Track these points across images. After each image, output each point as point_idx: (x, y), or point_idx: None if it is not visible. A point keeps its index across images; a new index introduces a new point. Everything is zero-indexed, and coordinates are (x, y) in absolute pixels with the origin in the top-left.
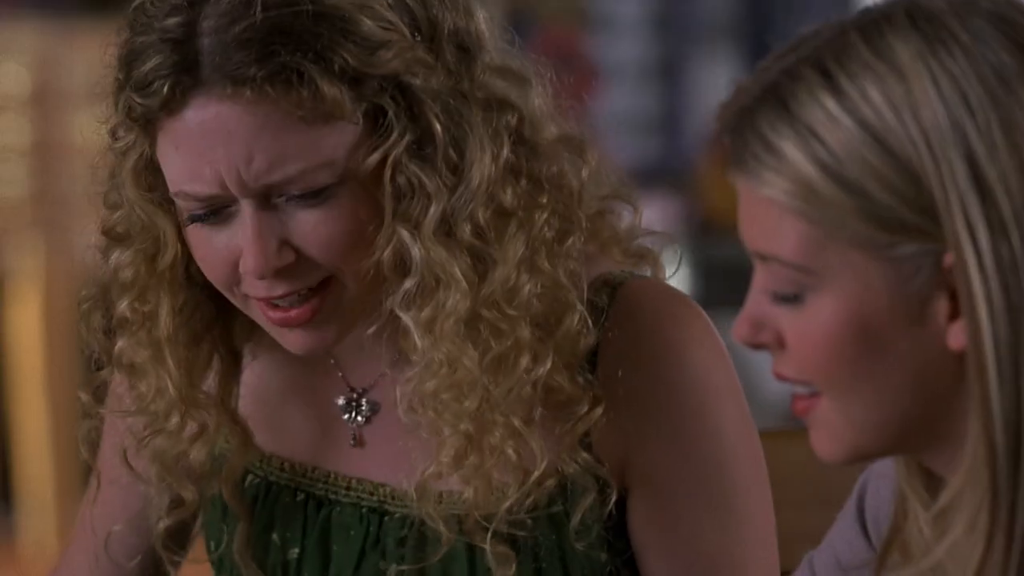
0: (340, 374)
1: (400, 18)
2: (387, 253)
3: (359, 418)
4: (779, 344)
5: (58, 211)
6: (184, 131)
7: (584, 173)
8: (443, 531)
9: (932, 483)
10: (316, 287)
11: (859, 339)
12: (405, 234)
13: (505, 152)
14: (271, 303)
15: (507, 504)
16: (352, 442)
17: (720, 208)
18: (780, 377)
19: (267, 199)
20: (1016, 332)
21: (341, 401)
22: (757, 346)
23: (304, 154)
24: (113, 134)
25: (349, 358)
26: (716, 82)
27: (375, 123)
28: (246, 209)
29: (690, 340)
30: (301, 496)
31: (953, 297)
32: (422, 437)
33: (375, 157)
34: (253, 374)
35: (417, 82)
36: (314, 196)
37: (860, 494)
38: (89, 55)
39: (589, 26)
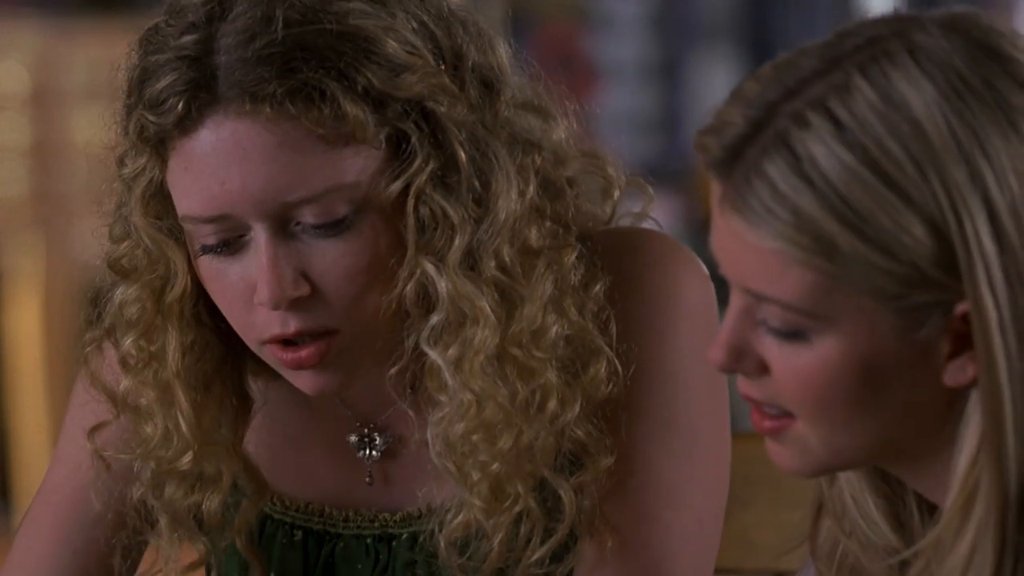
0: (348, 412)
1: (425, 44)
2: (410, 287)
3: (374, 453)
4: (760, 371)
5: (58, 211)
6: (198, 150)
7: (616, 195)
8: (455, 568)
9: (886, 479)
10: (322, 333)
11: (859, 380)
12: (430, 267)
13: (531, 190)
14: (283, 343)
15: (536, 556)
16: (368, 480)
17: None
18: (749, 398)
19: (283, 226)
20: None
21: (353, 438)
22: (732, 371)
23: (324, 174)
24: (121, 161)
25: (363, 397)
26: (716, 82)
27: (398, 149)
28: (261, 235)
29: (667, 260)
30: (299, 535)
31: (955, 338)
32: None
33: (397, 185)
34: (262, 417)
35: (442, 109)
36: (334, 226)
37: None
38: (89, 54)
39: (589, 25)
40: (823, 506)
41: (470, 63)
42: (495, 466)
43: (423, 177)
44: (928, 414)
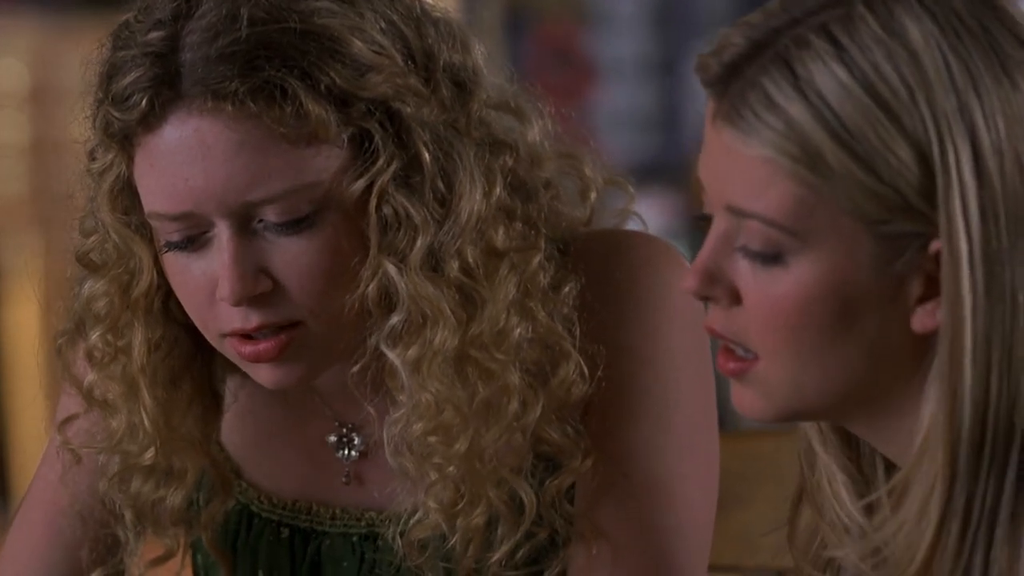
0: (328, 412)
1: (393, 44)
2: (372, 287)
3: (353, 453)
4: (732, 300)
5: (57, 209)
6: (161, 147)
7: (592, 196)
8: (427, 570)
9: (852, 449)
10: (286, 325)
11: (831, 309)
12: (391, 267)
13: (498, 191)
14: (243, 337)
15: (496, 556)
16: (345, 479)
17: None
18: (713, 332)
19: (246, 223)
20: (993, 321)
21: (332, 438)
22: (704, 298)
23: (286, 174)
24: (91, 155)
25: (337, 395)
26: None
27: (361, 149)
28: (223, 232)
29: (656, 261)
30: (285, 532)
31: (927, 281)
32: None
33: (360, 184)
34: (236, 415)
35: (408, 109)
36: (295, 224)
37: None
38: (88, 53)
39: (587, 22)
40: (804, 492)
41: (441, 63)
42: (451, 468)
43: (386, 177)
44: (895, 361)
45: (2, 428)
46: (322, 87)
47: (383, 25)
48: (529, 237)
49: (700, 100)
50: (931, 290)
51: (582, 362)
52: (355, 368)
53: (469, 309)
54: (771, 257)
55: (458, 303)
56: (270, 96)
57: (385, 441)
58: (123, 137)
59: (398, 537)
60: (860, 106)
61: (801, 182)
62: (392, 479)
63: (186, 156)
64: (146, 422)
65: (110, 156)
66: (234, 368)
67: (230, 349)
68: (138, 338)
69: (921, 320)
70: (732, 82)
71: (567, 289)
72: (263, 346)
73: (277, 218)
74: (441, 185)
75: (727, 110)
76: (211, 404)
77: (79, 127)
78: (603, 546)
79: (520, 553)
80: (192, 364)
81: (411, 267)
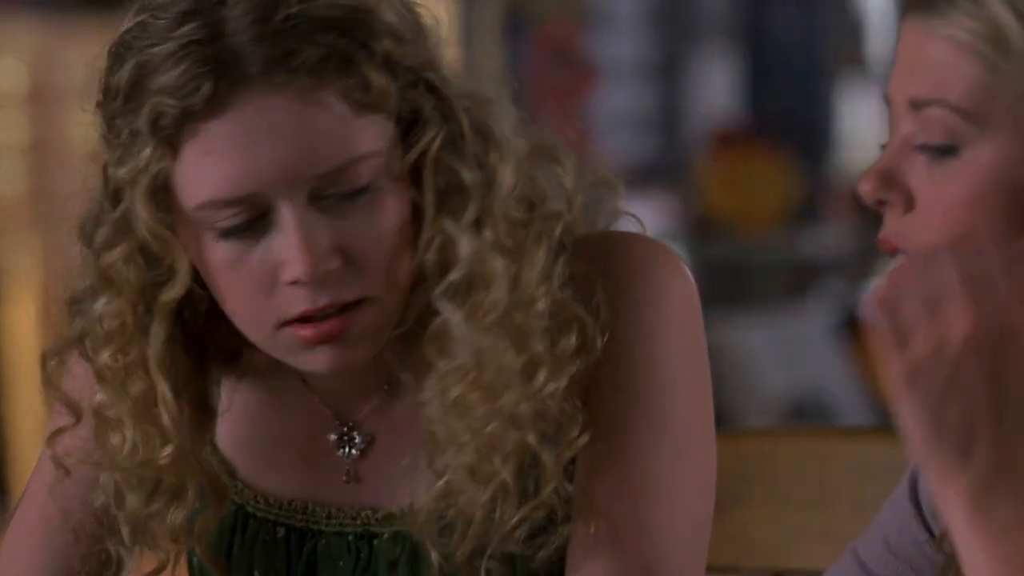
0: (327, 411)
1: (410, 15)
2: (431, 253)
3: (353, 452)
4: (906, 204)
5: (55, 209)
6: (224, 131)
7: (568, 183)
8: (436, 558)
9: None
10: (350, 304)
11: (1002, 204)
12: (451, 229)
13: (523, 160)
14: (305, 322)
15: (509, 526)
16: (346, 477)
17: (718, 206)
18: (885, 244)
19: (311, 200)
20: None
21: (332, 436)
22: (879, 203)
23: (351, 145)
24: (115, 164)
25: (336, 394)
26: (714, 80)
27: (408, 118)
28: (290, 211)
29: (653, 263)
30: (281, 532)
31: None
32: (420, 463)
33: (414, 153)
34: (230, 418)
35: (441, 77)
36: (361, 194)
37: (914, 476)
38: (88, 52)
39: (587, 24)
40: None
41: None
42: (489, 428)
43: (437, 144)
44: None
45: (1, 429)
46: (377, 57)
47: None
48: (550, 207)
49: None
50: None
51: (590, 335)
52: (393, 334)
53: (513, 271)
54: (948, 149)
55: (505, 265)
56: (338, 67)
57: (425, 401)
58: (173, 130)
59: (404, 512)
60: None
61: (984, 63)
62: (394, 476)
63: (252, 137)
64: (166, 419)
65: (147, 154)
66: (229, 372)
67: (288, 338)
68: (157, 343)
69: None
70: None
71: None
72: (329, 326)
73: (343, 189)
74: (480, 149)
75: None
76: (203, 415)
77: (89, 129)
78: (600, 542)
79: (519, 531)
80: (192, 377)
81: (465, 229)
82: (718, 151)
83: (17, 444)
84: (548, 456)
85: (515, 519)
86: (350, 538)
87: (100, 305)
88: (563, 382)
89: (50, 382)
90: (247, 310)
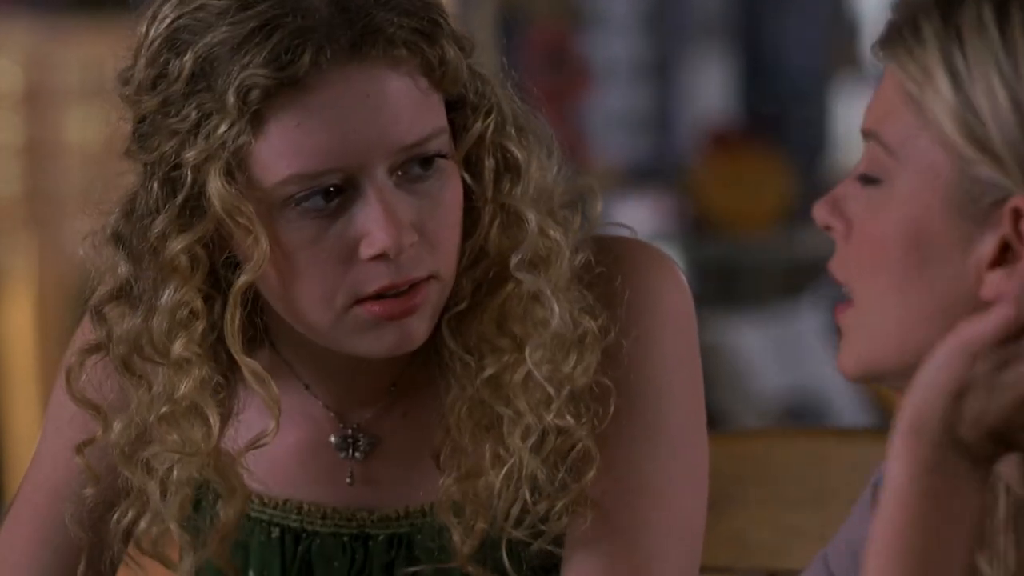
0: (330, 414)
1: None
2: (495, 230)
3: (358, 454)
4: (846, 233)
5: (51, 210)
6: (316, 102)
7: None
8: (459, 541)
9: None
10: (419, 281)
11: (909, 243)
12: (516, 204)
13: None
14: (381, 298)
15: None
16: (349, 480)
17: (713, 207)
18: (833, 274)
19: (392, 174)
20: None
21: (334, 439)
22: (827, 229)
23: (432, 117)
24: (186, 144)
25: (341, 397)
26: (708, 81)
27: (466, 102)
28: (374, 184)
29: (648, 268)
30: (276, 532)
31: (1002, 244)
32: (424, 466)
33: (473, 134)
34: (234, 423)
35: (480, 64)
36: (436, 170)
37: (876, 482)
38: (82, 53)
39: (581, 24)
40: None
41: None
42: (571, 382)
43: (492, 125)
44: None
45: None
46: (450, 35)
47: None
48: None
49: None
50: (1005, 256)
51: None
52: (450, 313)
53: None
54: (874, 180)
55: (563, 236)
56: (419, 41)
57: (531, 361)
58: (262, 102)
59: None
60: (982, 48)
61: (913, 104)
62: (397, 479)
63: (344, 107)
64: (213, 437)
65: (223, 131)
66: (236, 380)
67: (357, 317)
68: (231, 332)
69: (990, 287)
70: (905, 22)
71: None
72: (401, 302)
73: (422, 164)
74: (519, 134)
75: (891, 38)
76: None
77: (84, 129)
78: (596, 542)
79: (526, 522)
80: (226, 376)
81: (527, 203)
82: (713, 152)
83: (12, 444)
84: (570, 419)
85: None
86: (345, 539)
87: (167, 296)
88: (593, 364)
89: (78, 393)
90: (319, 289)
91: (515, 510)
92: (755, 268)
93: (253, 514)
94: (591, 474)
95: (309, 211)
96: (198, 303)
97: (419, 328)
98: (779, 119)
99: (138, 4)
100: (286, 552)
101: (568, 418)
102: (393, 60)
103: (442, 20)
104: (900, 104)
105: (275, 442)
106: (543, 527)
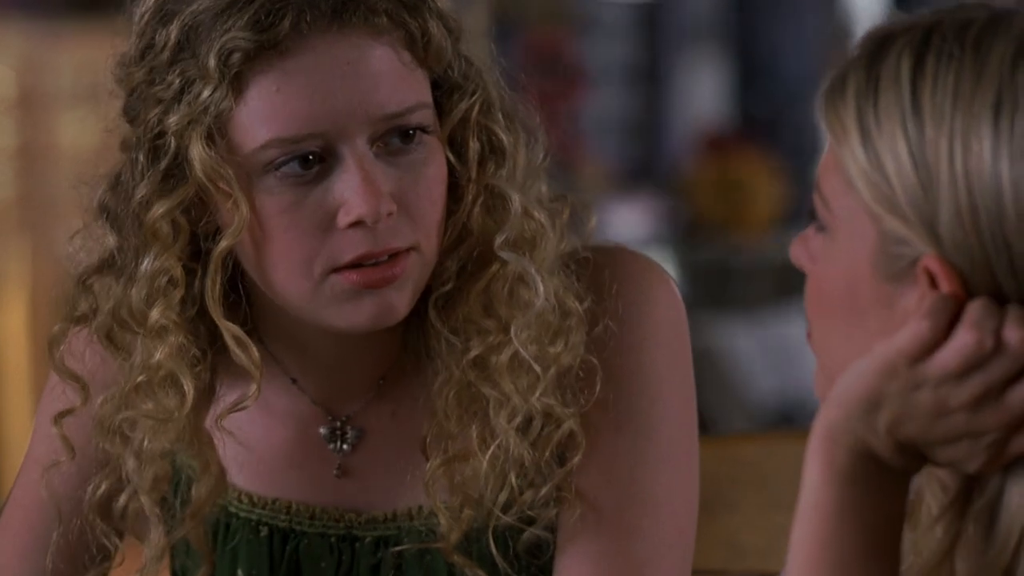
0: (317, 408)
1: None
2: (477, 209)
3: (345, 446)
4: (809, 270)
5: (44, 214)
6: (294, 68)
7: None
8: (447, 527)
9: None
10: (399, 252)
11: (845, 295)
12: (500, 184)
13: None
14: (358, 267)
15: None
16: (336, 472)
17: (706, 210)
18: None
19: (372, 142)
20: None
21: (323, 431)
22: (798, 262)
23: (414, 91)
24: (169, 110)
25: (328, 390)
26: (701, 85)
27: (441, 83)
28: (352, 153)
29: (640, 276)
30: (264, 531)
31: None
32: (410, 463)
33: (457, 114)
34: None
35: (470, 49)
36: (417, 143)
37: None
38: (75, 57)
39: (574, 29)
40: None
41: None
42: (550, 371)
43: (477, 107)
44: None
45: None
46: (436, 13)
47: None
48: (556, 198)
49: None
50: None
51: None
52: (439, 291)
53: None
54: (822, 228)
55: (548, 218)
56: (403, 14)
57: (516, 339)
58: (243, 66)
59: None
60: (892, 104)
61: (840, 165)
62: (384, 473)
63: (324, 73)
64: (187, 407)
65: (206, 96)
66: (224, 374)
67: (335, 286)
68: (212, 298)
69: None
70: (837, 88)
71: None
72: (379, 271)
73: (402, 136)
74: (506, 119)
75: (822, 89)
76: (204, 394)
77: (77, 133)
78: (587, 546)
79: (513, 509)
80: (205, 353)
81: (511, 185)
82: (706, 156)
83: (8, 447)
84: (557, 405)
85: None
86: (332, 540)
87: (147, 263)
88: (581, 350)
89: (58, 363)
90: (297, 257)
91: (503, 497)
92: (747, 272)
93: (242, 514)
94: (577, 459)
95: (288, 176)
96: (178, 271)
97: (398, 300)
98: (772, 123)
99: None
100: (275, 551)
101: (554, 400)
102: (374, 29)
103: None
104: (831, 161)
105: (263, 442)
106: (531, 514)
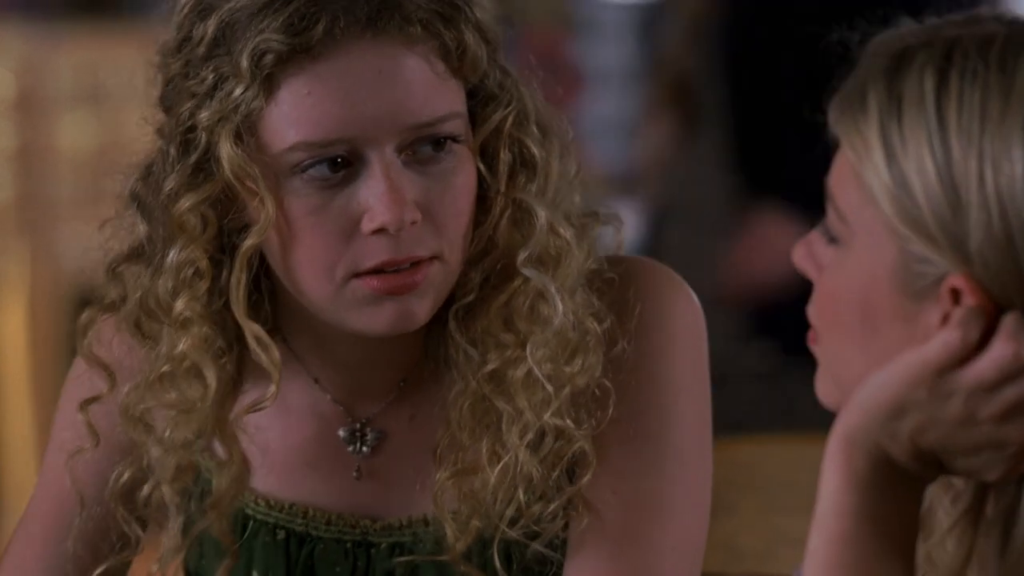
0: (340, 409)
1: None
2: (504, 222)
3: (365, 448)
4: (816, 277)
5: (44, 216)
6: (328, 72)
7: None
8: (452, 537)
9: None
10: (423, 260)
11: (860, 309)
12: (528, 199)
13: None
14: (380, 273)
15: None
16: (356, 474)
17: None
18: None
19: (400, 152)
20: None
21: (343, 433)
22: (803, 270)
23: (446, 100)
24: (201, 106)
25: (350, 390)
26: None
27: (478, 94)
28: (379, 160)
29: (660, 288)
30: (281, 535)
31: (945, 315)
32: (428, 469)
33: (490, 125)
34: (246, 422)
35: (508, 64)
36: (447, 153)
37: None
38: (75, 59)
39: (573, 30)
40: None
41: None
42: (564, 390)
43: (511, 119)
44: None
45: None
46: (473, 23)
47: None
48: (587, 214)
49: None
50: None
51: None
52: (461, 302)
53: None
54: (834, 239)
55: (575, 236)
56: (439, 23)
57: (531, 358)
58: (276, 67)
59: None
60: (917, 122)
61: (860, 180)
62: (403, 476)
63: (356, 79)
64: (210, 397)
65: (238, 94)
66: (250, 374)
67: (356, 290)
68: (236, 294)
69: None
70: (855, 96)
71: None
72: (401, 278)
73: (432, 145)
74: (541, 134)
75: (836, 99)
76: (231, 387)
77: (76, 135)
78: (597, 555)
79: (520, 523)
80: (232, 345)
81: (539, 199)
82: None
83: (6, 448)
84: (569, 424)
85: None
86: (348, 545)
87: (173, 254)
88: (599, 367)
89: (86, 350)
90: (320, 259)
91: (510, 511)
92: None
93: (259, 516)
94: (587, 478)
95: (315, 179)
96: (204, 263)
97: (419, 307)
98: None
99: (133, 9)
100: (291, 555)
101: (567, 420)
102: (408, 38)
103: (465, 6)
104: (849, 174)
105: (281, 441)
106: (537, 528)
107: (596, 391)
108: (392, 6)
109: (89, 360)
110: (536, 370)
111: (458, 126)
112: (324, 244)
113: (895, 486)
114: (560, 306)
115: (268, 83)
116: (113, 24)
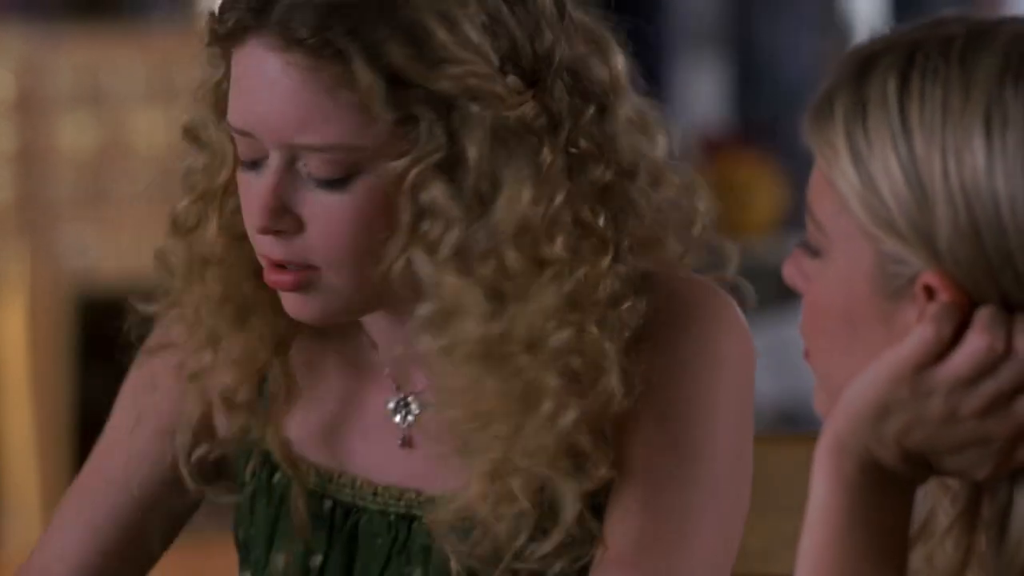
0: (392, 381)
1: (492, 42)
2: (397, 266)
3: (409, 418)
4: (804, 289)
5: (44, 217)
6: (242, 66)
7: (697, 231)
8: (449, 551)
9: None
10: (305, 267)
11: (842, 317)
12: (420, 256)
13: (559, 200)
14: (271, 264)
15: (519, 546)
16: (400, 442)
17: None
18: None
19: (292, 163)
20: None
21: (391, 404)
22: (793, 285)
23: (332, 129)
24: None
25: (397, 361)
26: (701, 87)
27: (408, 130)
28: (271, 163)
29: (710, 311)
30: (329, 503)
31: (923, 313)
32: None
33: (400, 164)
34: (304, 395)
35: (474, 109)
36: (331, 182)
37: None
38: (75, 60)
39: None
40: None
41: (557, 67)
42: (492, 453)
43: (425, 165)
44: None
45: None
46: (382, 62)
47: (485, 20)
48: (594, 253)
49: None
50: None
51: (622, 380)
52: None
53: (497, 306)
54: (815, 251)
55: (486, 299)
56: (331, 55)
57: (424, 424)
58: (224, 40)
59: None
60: (881, 124)
61: (833, 188)
62: (443, 452)
63: (254, 82)
64: (209, 304)
65: (217, 58)
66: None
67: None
68: (211, 227)
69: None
70: (825, 104)
71: (627, 305)
72: (286, 276)
73: (315, 169)
74: (485, 185)
75: (808, 111)
76: (280, 344)
77: (76, 136)
78: (620, 568)
79: (534, 552)
80: (258, 300)
81: (439, 259)
82: (706, 159)
83: (6, 449)
84: (568, 487)
85: (532, 544)
86: (391, 517)
87: (191, 160)
88: (571, 416)
89: (152, 344)
90: (249, 235)
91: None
92: (747, 275)
93: (310, 487)
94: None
95: (241, 161)
96: (204, 180)
97: (303, 306)
98: (772, 126)
99: (133, 10)
100: (335, 524)
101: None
102: (302, 59)
103: (378, 44)
104: (823, 184)
105: (330, 401)
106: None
107: (630, 418)
108: (285, 25)
109: (155, 347)
110: (462, 425)
111: (343, 161)
112: (247, 223)
113: (884, 489)
114: (439, 369)
115: (223, 57)
116: (113, 24)
